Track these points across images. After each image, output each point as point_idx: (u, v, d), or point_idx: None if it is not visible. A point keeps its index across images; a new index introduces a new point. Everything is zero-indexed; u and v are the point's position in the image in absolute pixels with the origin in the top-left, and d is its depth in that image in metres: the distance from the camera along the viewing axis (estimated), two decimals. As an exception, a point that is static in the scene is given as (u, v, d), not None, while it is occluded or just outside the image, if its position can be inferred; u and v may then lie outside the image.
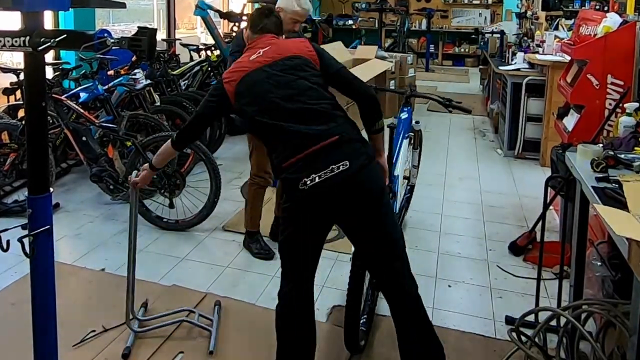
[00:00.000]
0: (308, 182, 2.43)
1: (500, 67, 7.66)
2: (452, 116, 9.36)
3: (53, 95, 5.26)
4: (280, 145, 2.56)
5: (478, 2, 17.38)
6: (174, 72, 7.46)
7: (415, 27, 17.11)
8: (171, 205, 4.67)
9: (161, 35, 9.74)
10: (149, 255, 4.30)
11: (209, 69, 8.19)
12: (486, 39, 10.78)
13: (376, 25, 17.07)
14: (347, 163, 2.45)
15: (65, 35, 2.02)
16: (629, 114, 3.52)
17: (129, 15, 11.20)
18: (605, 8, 7.69)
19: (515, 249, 4.40)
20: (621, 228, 1.95)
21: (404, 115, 4.24)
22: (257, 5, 6.75)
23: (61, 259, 4.10)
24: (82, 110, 5.32)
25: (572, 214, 3.25)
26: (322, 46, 2.99)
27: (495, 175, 6.46)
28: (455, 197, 5.70)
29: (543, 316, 2.73)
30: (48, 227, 2.12)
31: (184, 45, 8.72)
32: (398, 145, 3.96)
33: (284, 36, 3.17)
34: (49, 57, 6.52)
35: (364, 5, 17.82)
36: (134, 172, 3.24)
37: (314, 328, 2.72)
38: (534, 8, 10.73)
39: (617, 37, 4.49)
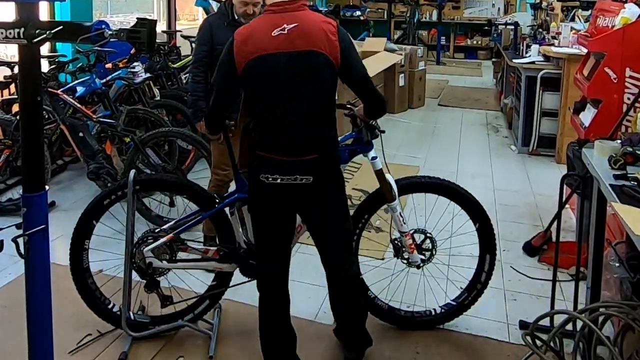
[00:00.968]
0: (270, 179, 2.70)
1: (514, 60, 7.64)
2: (464, 111, 9.37)
3: (49, 89, 5.28)
4: (265, 133, 2.72)
5: (491, -8, 17.34)
6: (175, 65, 7.46)
7: (425, 18, 17.09)
8: (172, 204, 4.67)
9: (161, 26, 9.74)
10: (148, 255, 4.28)
11: (211, 62, 8.16)
12: (499, 31, 10.76)
13: (385, 17, 17.10)
14: (311, 179, 2.70)
15: (61, 27, 2.02)
16: (649, 109, 3.51)
17: (128, 6, 11.23)
18: (624, -2, 7.66)
19: (530, 249, 4.40)
20: (640, 227, 1.94)
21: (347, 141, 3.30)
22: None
23: (57, 260, 4.10)
24: (78, 105, 5.34)
25: (589, 213, 3.25)
26: None
27: (509, 173, 6.45)
28: (467, 195, 5.67)
29: (559, 319, 2.72)
30: (43, 226, 2.12)
31: (185, 37, 8.72)
32: None
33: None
34: (45, 49, 6.53)
35: (372, -4, 17.83)
36: (132, 171, 3.25)
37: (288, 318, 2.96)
38: (549, -2, 10.71)
39: (636, 29, 4.46)
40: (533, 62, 7.16)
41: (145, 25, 2.10)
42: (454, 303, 3.47)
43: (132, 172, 3.23)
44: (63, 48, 6.91)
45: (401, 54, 9.54)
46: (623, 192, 2.36)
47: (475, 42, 17.33)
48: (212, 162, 4.29)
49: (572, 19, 8.23)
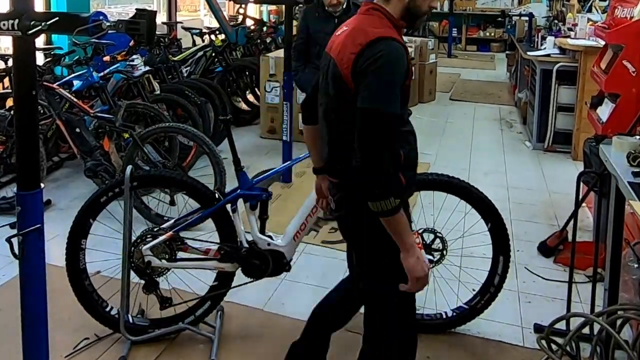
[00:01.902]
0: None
1: (529, 53, 7.62)
2: (477, 105, 9.35)
3: (44, 83, 5.28)
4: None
5: (505, -19, 17.30)
6: (175, 58, 7.48)
7: (436, 9, 17.00)
8: (172, 202, 4.67)
9: (161, 18, 9.77)
10: (147, 256, 4.29)
11: (213, 54, 8.16)
12: (514, 22, 10.76)
13: (394, 7, 16.98)
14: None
15: (57, 18, 2.02)
16: (669, 103, 3.50)
17: (126, -3, 11.25)
18: (644, -12, 7.63)
19: (545, 249, 4.39)
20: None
21: None
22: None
23: (53, 260, 4.09)
24: (75, 100, 5.34)
25: (607, 211, 3.24)
26: None
27: (523, 170, 6.44)
28: (480, 193, 5.67)
29: (575, 323, 2.72)
30: (39, 225, 2.12)
31: (186, 29, 8.75)
32: None
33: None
34: (40, 41, 6.55)
35: (380, -14, 17.76)
36: (128, 167, 3.24)
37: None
38: (565, -12, 10.68)
39: (656, 20, 4.45)
40: (548, 55, 7.14)
41: (145, 17, 2.10)
42: (466, 307, 3.45)
43: (129, 168, 3.23)
44: (59, 40, 6.94)
45: (411, 46, 9.50)
46: (642, 190, 2.36)
47: (488, 33, 17.30)
48: None
49: (589, 10, 8.20)
